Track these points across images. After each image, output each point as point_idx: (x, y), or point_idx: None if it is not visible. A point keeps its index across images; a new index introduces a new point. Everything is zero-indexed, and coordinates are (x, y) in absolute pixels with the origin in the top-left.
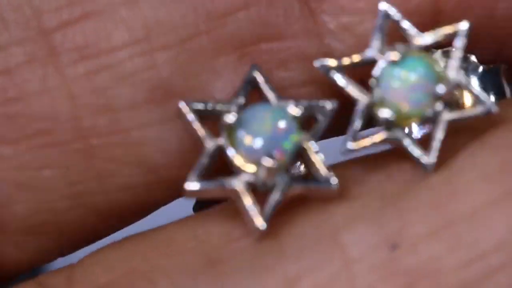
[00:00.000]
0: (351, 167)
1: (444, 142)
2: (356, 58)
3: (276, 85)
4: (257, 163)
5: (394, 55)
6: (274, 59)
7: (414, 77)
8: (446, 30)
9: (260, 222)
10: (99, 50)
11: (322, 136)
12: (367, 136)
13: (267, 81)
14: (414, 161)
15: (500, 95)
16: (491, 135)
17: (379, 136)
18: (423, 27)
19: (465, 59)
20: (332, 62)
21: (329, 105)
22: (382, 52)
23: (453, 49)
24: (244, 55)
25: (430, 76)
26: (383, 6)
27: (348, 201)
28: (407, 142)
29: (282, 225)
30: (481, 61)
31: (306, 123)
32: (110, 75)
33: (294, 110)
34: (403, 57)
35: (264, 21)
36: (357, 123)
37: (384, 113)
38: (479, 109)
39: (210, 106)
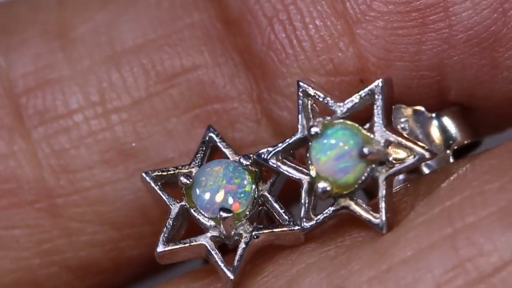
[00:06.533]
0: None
1: (397, 198)
2: (288, 141)
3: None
4: (217, 217)
5: (314, 129)
6: (223, 120)
7: (336, 147)
8: (361, 92)
9: (228, 274)
10: (57, 114)
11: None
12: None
13: (222, 139)
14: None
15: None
16: (438, 190)
17: (328, 210)
18: (349, 86)
19: (415, 112)
20: (267, 151)
21: None
22: (308, 129)
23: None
24: (195, 117)
25: (353, 142)
26: (302, 86)
27: (308, 252)
28: (354, 209)
29: (251, 275)
30: (430, 110)
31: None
32: (67, 137)
33: (245, 161)
34: (324, 129)
35: (212, 82)
36: (307, 202)
37: (321, 186)
38: (412, 160)
39: (169, 171)
